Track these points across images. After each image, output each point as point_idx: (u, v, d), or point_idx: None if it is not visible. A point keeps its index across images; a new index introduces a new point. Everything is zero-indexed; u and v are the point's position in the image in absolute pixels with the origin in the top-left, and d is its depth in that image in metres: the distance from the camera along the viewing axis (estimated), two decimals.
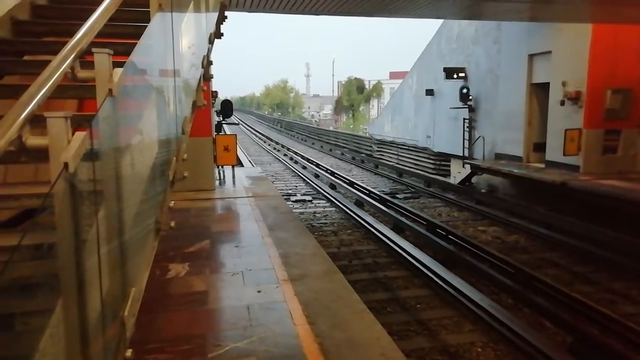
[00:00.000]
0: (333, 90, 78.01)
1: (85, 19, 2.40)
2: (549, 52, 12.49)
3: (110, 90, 1.81)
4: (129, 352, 2.01)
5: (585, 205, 10.09)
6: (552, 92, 12.46)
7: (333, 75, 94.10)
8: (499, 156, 14.44)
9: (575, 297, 6.15)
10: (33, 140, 1.62)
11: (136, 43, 2.35)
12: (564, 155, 11.63)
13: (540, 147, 13.15)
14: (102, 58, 1.84)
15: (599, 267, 7.82)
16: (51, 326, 1.47)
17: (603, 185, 10.20)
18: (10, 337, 1.49)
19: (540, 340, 5.14)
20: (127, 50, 2.35)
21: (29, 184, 2.83)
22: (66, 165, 1.48)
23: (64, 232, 1.59)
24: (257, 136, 42.94)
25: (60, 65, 1.82)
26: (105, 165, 1.90)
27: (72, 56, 1.90)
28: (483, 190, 14.39)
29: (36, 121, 1.73)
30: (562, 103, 12.05)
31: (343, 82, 68.51)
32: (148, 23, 2.73)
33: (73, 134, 1.63)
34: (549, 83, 12.59)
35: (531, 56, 13.18)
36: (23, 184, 2.86)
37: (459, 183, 15.42)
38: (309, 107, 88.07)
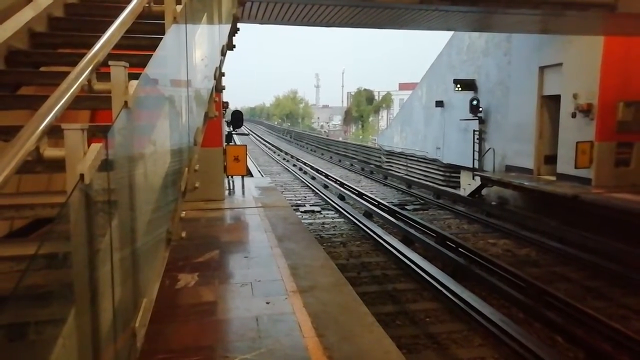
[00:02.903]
0: (342, 101, 78.22)
1: (100, 30, 2.45)
2: (560, 64, 12.44)
3: (125, 103, 1.84)
4: None
5: (597, 218, 9.97)
6: (563, 105, 12.39)
7: (342, 86, 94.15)
8: (509, 168, 14.36)
9: (587, 312, 6.06)
10: (50, 152, 1.64)
11: (151, 55, 2.38)
12: (576, 167, 11.53)
13: (551, 159, 13.06)
14: (118, 71, 1.87)
15: (611, 282, 7.71)
16: (64, 336, 1.48)
17: (616, 198, 10.09)
18: (24, 347, 1.50)
19: (552, 355, 5.06)
20: (142, 62, 2.39)
21: (43, 194, 2.86)
22: (82, 176, 1.50)
23: (78, 242, 1.61)
24: (266, 146, 43.13)
25: (78, 77, 1.86)
26: (119, 176, 1.92)
27: (90, 69, 1.94)
28: (493, 203, 14.28)
29: (52, 132, 1.75)
30: (574, 115, 11.97)
31: (352, 93, 68.74)
32: (162, 35, 2.78)
33: (88, 145, 1.65)
34: (559, 95, 12.53)
35: (542, 68, 13.14)
36: (37, 193, 2.90)
37: (468, 195, 15.33)
38: (318, 118, 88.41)
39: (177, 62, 3.01)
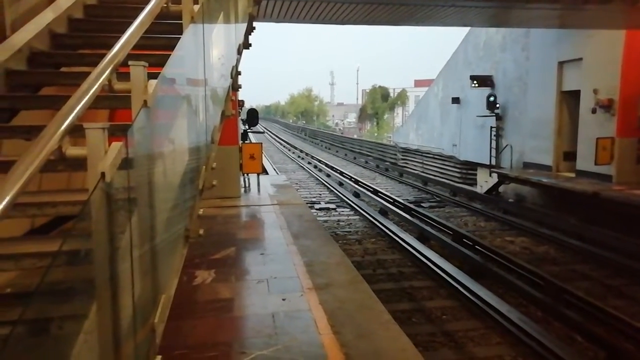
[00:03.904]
0: (357, 99, 77.92)
1: (119, 31, 2.48)
2: (580, 59, 12.22)
3: (145, 102, 1.86)
4: (158, 359, 2.04)
5: (618, 216, 9.78)
6: (583, 100, 12.17)
7: (357, 83, 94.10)
8: (527, 165, 14.16)
9: (608, 311, 5.96)
10: (72, 151, 1.68)
11: (169, 55, 2.41)
12: (596, 164, 11.32)
13: (570, 156, 12.84)
14: (138, 70, 1.90)
15: (633, 280, 7.56)
16: (85, 331, 1.51)
17: (638, 195, 9.88)
18: (47, 342, 1.54)
19: (572, 355, 4.99)
20: (160, 62, 2.41)
21: (64, 192, 2.92)
22: (103, 174, 1.53)
23: (99, 239, 1.64)
24: (281, 144, 43.24)
25: (99, 77, 1.89)
26: (139, 174, 1.95)
27: (110, 69, 1.97)
28: (511, 200, 14.11)
29: (73, 131, 1.79)
30: (594, 111, 11.75)
31: (367, 91, 68.43)
32: (180, 35, 2.80)
33: (109, 144, 1.68)
34: (579, 91, 12.31)
35: (561, 63, 12.92)
36: (58, 191, 2.95)
37: (485, 192, 15.17)
38: (333, 115, 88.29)
39: (195, 61, 3.04)
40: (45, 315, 1.49)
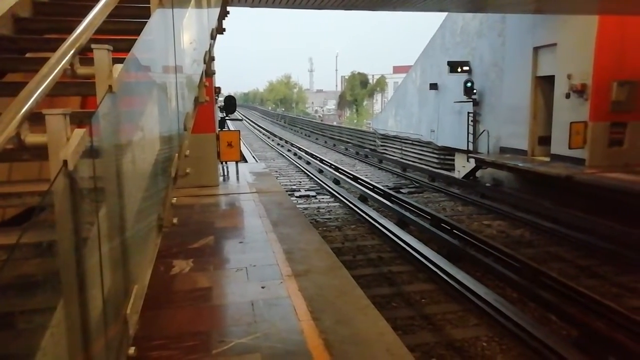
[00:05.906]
0: (336, 85, 77.75)
1: (86, 15, 2.38)
2: (554, 44, 12.37)
3: (110, 87, 1.79)
4: (132, 350, 2.00)
5: (591, 198, 10.02)
6: (558, 85, 12.35)
7: (336, 70, 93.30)
8: (503, 150, 14.37)
9: (580, 291, 6.12)
10: (32, 138, 1.60)
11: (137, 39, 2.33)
12: (570, 148, 11.54)
13: (545, 140, 13.06)
14: (101, 54, 1.83)
15: (604, 261, 7.78)
16: (52, 325, 1.46)
17: (609, 178, 10.13)
18: (12, 336, 1.49)
19: (546, 334, 5.12)
20: (129, 47, 2.33)
21: (32, 182, 2.82)
22: (65, 162, 1.47)
23: (64, 230, 1.58)
24: (261, 132, 42.92)
25: (59, 61, 1.81)
26: (106, 162, 1.89)
27: (71, 52, 1.88)
28: (488, 184, 14.33)
29: (37, 119, 1.71)
30: (568, 96, 11.95)
31: (346, 77, 68.27)
32: (149, 19, 2.71)
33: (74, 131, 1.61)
34: (554, 76, 12.49)
35: (536, 49, 13.06)
36: (27, 181, 2.86)
37: (463, 177, 15.36)
38: (312, 103, 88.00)
39: (164, 46, 2.95)
40: (9, 310, 1.44)
